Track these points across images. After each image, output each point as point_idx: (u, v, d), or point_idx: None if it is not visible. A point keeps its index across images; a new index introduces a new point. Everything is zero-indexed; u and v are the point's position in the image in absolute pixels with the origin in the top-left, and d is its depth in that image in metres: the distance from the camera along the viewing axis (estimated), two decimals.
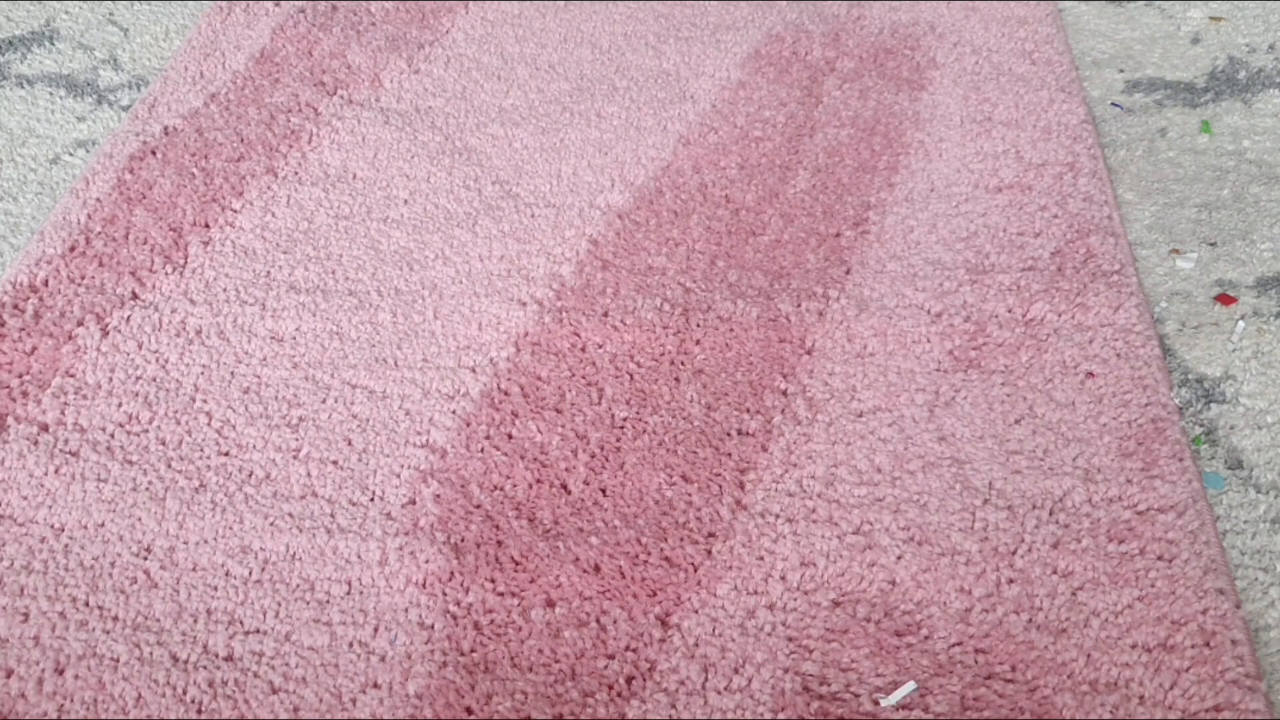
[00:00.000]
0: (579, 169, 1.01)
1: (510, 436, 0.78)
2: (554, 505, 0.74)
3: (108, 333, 0.85)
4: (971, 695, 0.64)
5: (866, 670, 0.65)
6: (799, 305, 0.87)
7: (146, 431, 0.78)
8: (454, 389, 0.81)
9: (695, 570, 0.70)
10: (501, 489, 0.75)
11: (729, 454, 0.77)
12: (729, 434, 0.78)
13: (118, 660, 0.65)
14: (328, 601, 0.68)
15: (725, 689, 0.64)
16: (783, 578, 0.70)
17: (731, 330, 0.85)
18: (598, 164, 1.01)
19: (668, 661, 0.65)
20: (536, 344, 0.85)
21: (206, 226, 0.95)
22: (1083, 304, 0.87)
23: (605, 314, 0.87)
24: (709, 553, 0.71)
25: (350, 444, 0.78)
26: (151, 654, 0.65)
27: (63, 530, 0.72)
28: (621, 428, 0.79)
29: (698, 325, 0.86)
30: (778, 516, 0.73)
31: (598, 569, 0.70)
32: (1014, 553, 0.71)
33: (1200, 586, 0.68)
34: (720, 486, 0.75)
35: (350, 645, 0.66)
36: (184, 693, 0.63)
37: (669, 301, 0.88)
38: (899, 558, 0.70)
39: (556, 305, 0.87)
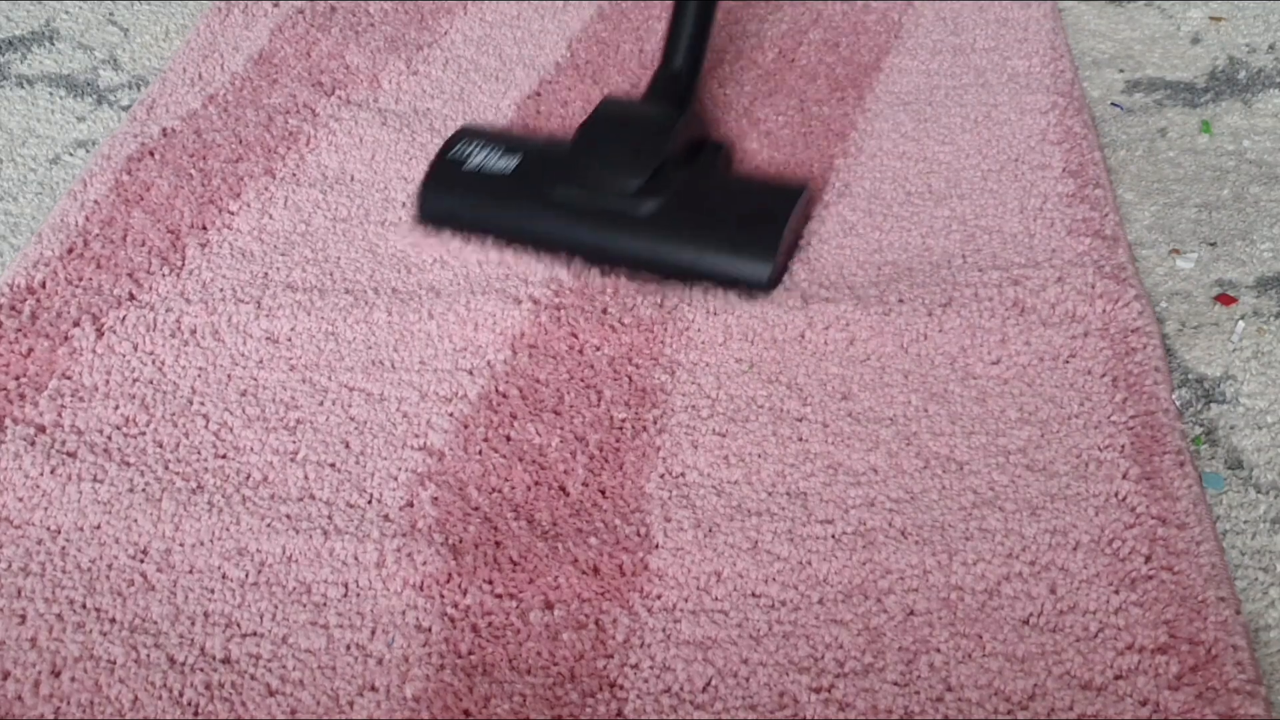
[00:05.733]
0: None
1: (508, 439, 0.78)
2: (553, 507, 0.74)
3: (104, 335, 0.85)
4: (962, 693, 0.64)
5: (863, 662, 0.65)
6: (799, 303, 0.87)
7: (143, 434, 0.78)
8: (451, 391, 0.81)
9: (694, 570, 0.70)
10: (500, 491, 0.75)
11: None
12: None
13: (114, 662, 0.65)
14: (325, 604, 0.68)
15: (725, 688, 0.64)
16: (779, 576, 0.69)
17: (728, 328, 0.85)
18: None
19: (669, 660, 0.65)
20: (534, 346, 0.84)
21: (204, 228, 0.94)
22: (1082, 305, 0.87)
23: (604, 311, 0.87)
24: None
25: (348, 446, 0.77)
26: (148, 656, 0.65)
27: (59, 532, 0.72)
28: (620, 428, 0.79)
29: (695, 324, 0.86)
30: (776, 516, 0.73)
31: (597, 570, 0.70)
32: (1009, 554, 0.70)
33: (1201, 593, 0.68)
34: None
35: (348, 648, 0.66)
36: (180, 695, 0.63)
37: (668, 300, 0.88)
38: (893, 555, 0.70)
39: (555, 305, 0.87)
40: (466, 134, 0.95)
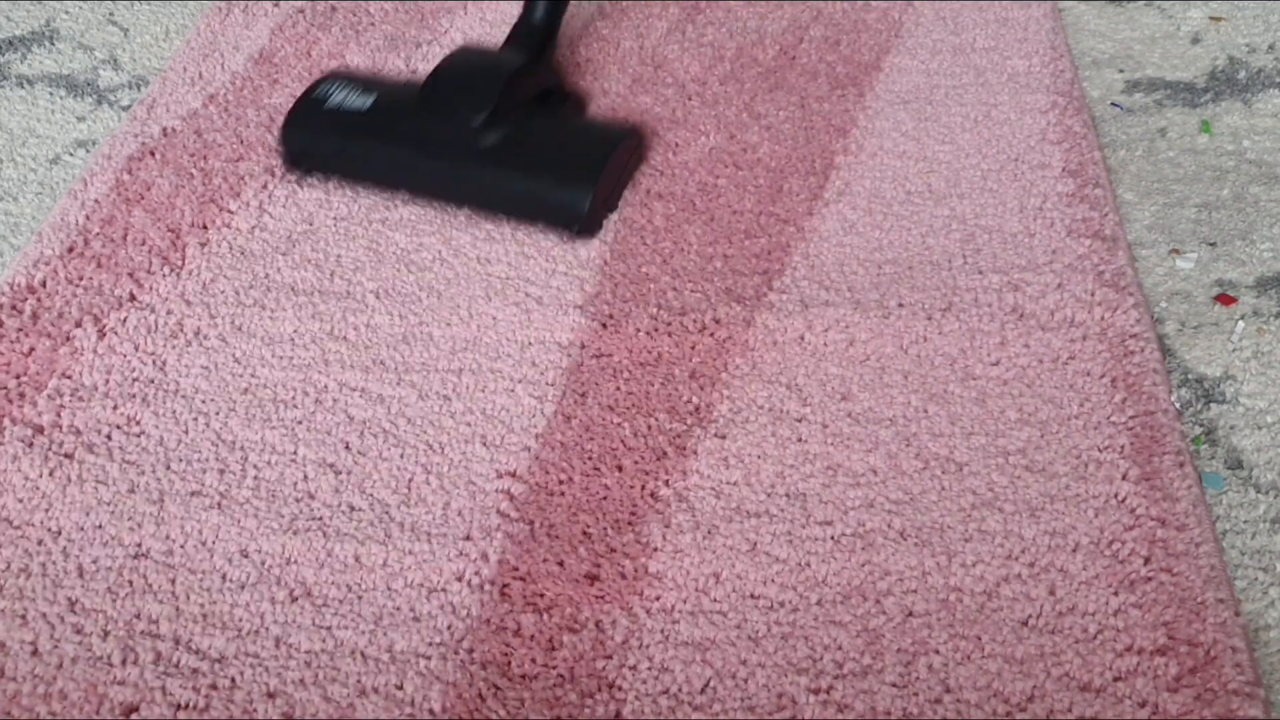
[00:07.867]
0: None
1: None
2: (552, 508, 0.74)
3: (105, 334, 0.85)
4: (961, 695, 0.64)
5: (861, 664, 0.65)
6: (799, 304, 0.87)
7: (144, 434, 0.78)
8: (451, 391, 0.81)
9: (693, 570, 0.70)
10: (502, 491, 0.75)
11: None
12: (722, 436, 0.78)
13: (114, 663, 0.65)
14: (325, 605, 0.68)
15: (722, 688, 0.64)
16: (778, 578, 0.70)
17: (728, 333, 0.85)
18: None
19: (667, 661, 0.65)
20: (529, 347, 0.84)
21: (205, 228, 0.94)
22: (1081, 305, 0.87)
23: (610, 317, 0.87)
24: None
25: (348, 447, 0.77)
26: (147, 657, 0.65)
27: (60, 533, 0.72)
28: (619, 429, 0.79)
29: (694, 327, 0.86)
30: (775, 518, 0.73)
31: (596, 571, 0.70)
32: (1009, 556, 0.71)
33: (1200, 595, 0.68)
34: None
35: (348, 650, 0.66)
36: (179, 696, 0.63)
37: (665, 308, 0.88)
38: (892, 557, 0.70)
39: (555, 308, 0.87)
40: (331, 76, 1.00)
